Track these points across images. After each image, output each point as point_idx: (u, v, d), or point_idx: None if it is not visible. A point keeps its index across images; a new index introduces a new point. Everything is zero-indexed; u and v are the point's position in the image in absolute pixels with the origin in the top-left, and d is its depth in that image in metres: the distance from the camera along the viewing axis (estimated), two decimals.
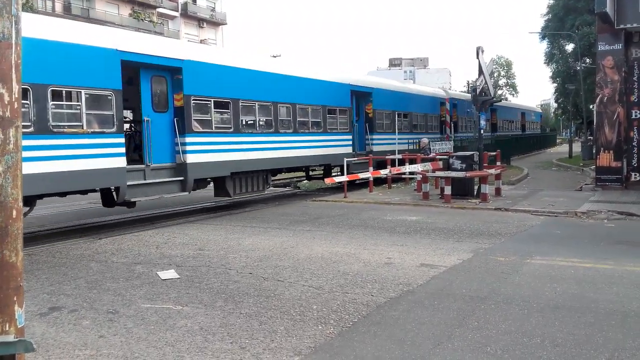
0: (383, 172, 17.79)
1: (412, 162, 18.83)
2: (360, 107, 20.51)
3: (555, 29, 37.57)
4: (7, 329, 2.01)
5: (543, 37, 40.87)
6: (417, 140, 22.42)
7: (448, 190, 14.84)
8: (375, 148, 20.52)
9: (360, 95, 20.25)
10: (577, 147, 38.46)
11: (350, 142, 19.24)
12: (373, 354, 4.69)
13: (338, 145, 18.46)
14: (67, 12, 41.72)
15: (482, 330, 5.17)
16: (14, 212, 2.02)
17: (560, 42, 39.84)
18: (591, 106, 29.58)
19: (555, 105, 61.66)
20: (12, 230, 2.02)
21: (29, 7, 28.81)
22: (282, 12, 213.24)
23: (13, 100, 2.03)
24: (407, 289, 6.57)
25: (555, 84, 44.85)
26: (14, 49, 2.05)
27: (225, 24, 59.75)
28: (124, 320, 5.60)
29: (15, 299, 2.04)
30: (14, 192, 2.02)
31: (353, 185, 18.99)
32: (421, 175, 16.49)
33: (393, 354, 4.67)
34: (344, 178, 16.50)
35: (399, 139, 21.58)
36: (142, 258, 8.53)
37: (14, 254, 2.03)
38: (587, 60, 35.19)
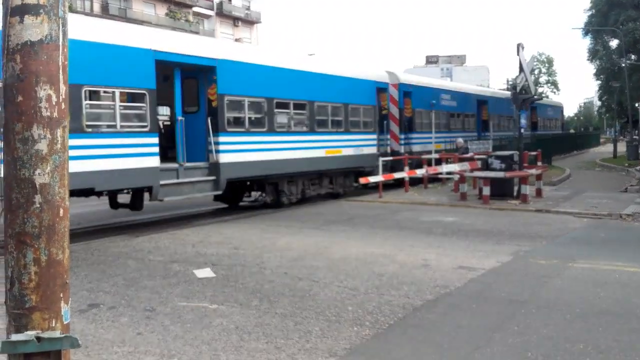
0: (419, 172, 17.59)
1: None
2: (200, 92, 12.61)
3: (598, 25, 36.55)
4: (53, 325, 2.05)
5: (586, 33, 39.88)
6: (328, 144, 15.83)
7: (487, 190, 14.57)
8: (227, 157, 12.53)
9: (195, 72, 12.47)
10: (621, 147, 37.26)
11: (153, 150, 11.15)
12: (409, 357, 4.63)
13: (121, 155, 10.57)
14: (105, 13, 42.76)
15: (523, 335, 5.04)
16: (61, 211, 2.07)
17: (604, 38, 38.74)
18: (637, 104, 28.61)
19: (599, 103, 59.78)
20: (60, 228, 2.07)
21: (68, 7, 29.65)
22: (318, 10, 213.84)
23: (60, 100, 2.08)
24: (445, 292, 6.48)
25: (599, 81, 43.68)
26: (61, 50, 2.10)
27: (260, 22, 60.19)
28: (161, 317, 5.70)
29: (61, 295, 2.08)
30: (61, 191, 2.07)
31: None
32: (459, 176, 16.25)
33: (430, 357, 4.60)
34: (380, 178, 16.40)
35: (280, 141, 14.16)
36: (178, 256, 8.67)
37: (60, 252, 2.07)
38: (632, 56, 34.08)
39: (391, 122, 19.38)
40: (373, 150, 17.76)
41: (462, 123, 24.37)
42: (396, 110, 19.38)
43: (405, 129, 19.93)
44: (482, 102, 26.84)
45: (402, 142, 19.64)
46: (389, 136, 18.92)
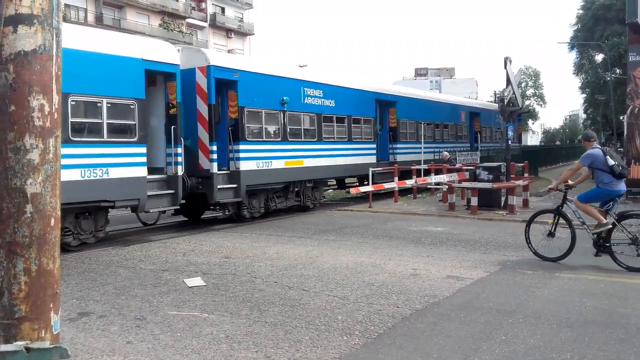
0: (409, 182, 17.68)
1: None
2: None
3: (584, 39, 37.08)
4: (43, 335, 2.05)
5: (572, 48, 40.41)
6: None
7: (474, 201, 14.68)
8: None
9: None
10: None
11: None
12: None
13: None
14: (99, 23, 42.71)
15: (510, 345, 5.08)
16: (52, 221, 2.07)
17: (590, 52, 39.30)
18: (621, 117, 29.00)
19: (584, 115, 60.55)
20: (50, 238, 2.07)
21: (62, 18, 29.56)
22: (311, 23, 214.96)
23: (53, 110, 2.09)
24: (433, 301, 6.51)
25: (585, 95, 44.27)
26: (55, 60, 2.11)
27: (253, 34, 60.31)
28: (151, 326, 5.66)
29: (51, 305, 2.08)
30: (52, 200, 2.07)
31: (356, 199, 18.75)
32: (447, 186, 16.36)
33: None
34: (370, 188, 16.46)
35: None
36: (169, 265, 8.63)
37: (51, 262, 2.07)
38: (617, 70, 34.61)
39: (199, 126, 12.81)
40: (138, 172, 11.00)
41: (348, 131, 17.75)
42: (205, 108, 12.78)
43: (232, 138, 13.44)
44: (386, 103, 20.25)
45: (217, 156, 12.88)
46: (180, 150, 11.83)
